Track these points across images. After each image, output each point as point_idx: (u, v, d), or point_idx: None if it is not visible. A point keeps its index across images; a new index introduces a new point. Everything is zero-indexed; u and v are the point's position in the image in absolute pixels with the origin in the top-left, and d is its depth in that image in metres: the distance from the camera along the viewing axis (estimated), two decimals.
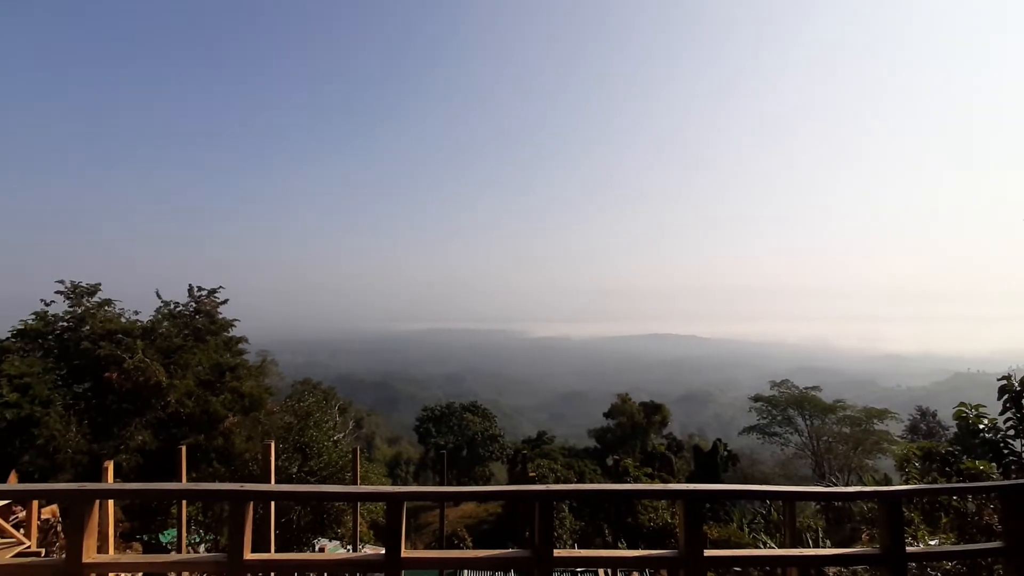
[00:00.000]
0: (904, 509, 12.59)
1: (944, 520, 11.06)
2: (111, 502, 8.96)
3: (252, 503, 3.12)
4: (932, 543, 11.07)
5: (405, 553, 2.94)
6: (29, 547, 9.56)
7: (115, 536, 12.08)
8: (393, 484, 51.40)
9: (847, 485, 33.68)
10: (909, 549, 3.24)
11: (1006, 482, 4.43)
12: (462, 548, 30.72)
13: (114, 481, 14.21)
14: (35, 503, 10.28)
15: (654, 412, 49.91)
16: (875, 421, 40.03)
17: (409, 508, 47.98)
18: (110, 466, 8.52)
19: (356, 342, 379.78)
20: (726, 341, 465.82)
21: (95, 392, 17.56)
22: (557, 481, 34.44)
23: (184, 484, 3.32)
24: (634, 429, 48.92)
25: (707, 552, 3.06)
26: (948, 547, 4.00)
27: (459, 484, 53.38)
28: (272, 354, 49.30)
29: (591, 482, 37.16)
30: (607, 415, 51.61)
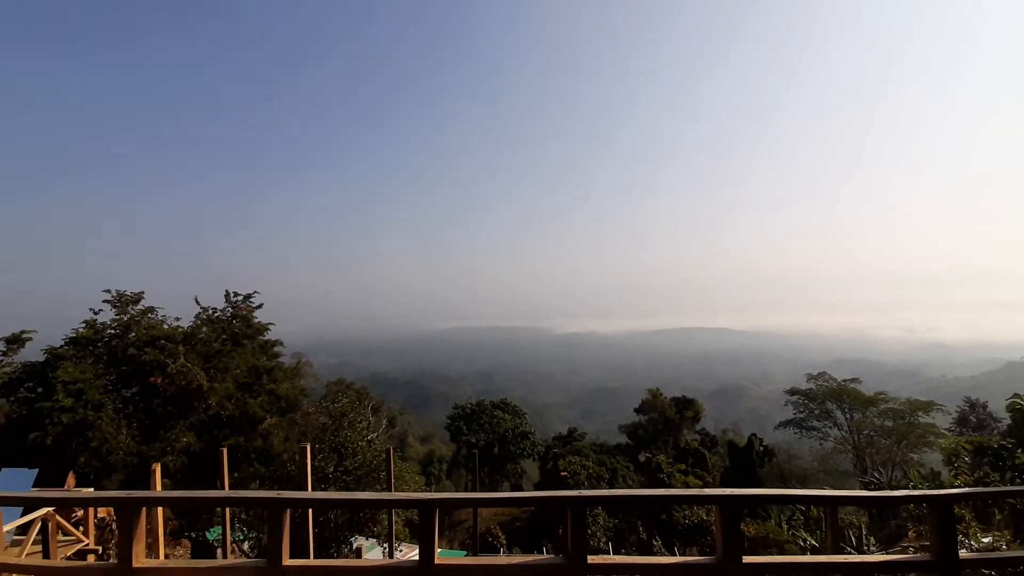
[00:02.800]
0: (955, 506, 11.94)
1: (998, 517, 10.49)
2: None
3: (289, 510, 3.22)
4: (985, 541, 10.54)
5: (439, 560, 2.98)
6: (87, 544, 10.13)
7: (164, 535, 12.66)
8: (426, 482, 52.02)
9: (890, 480, 32.52)
10: (963, 555, 3.06)
11: None
12: (495, 544, 30.95)
13: (162, 481, 14.87)
14: None
15: (686, 407, 49.19)
16: (920, 414, 38.48)
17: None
18: (158, 468, 8.94)
19: (387, 342, 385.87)
20: (758, 333, 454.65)
21: (142, 396, 18.35)
22: (589, 478, 34.27)
23: (224, 492, 3.44)
24: (666, 425, 48.35)
25: (746, 559, 2.98)
26: (1007, 552, 3.73)
27: (491, 481, 53.69)
28: (306, 356, 50.58)
29: (624, 479, 36.87)
30: (638, 411, 51.14)
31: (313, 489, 15.76)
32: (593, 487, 33.68)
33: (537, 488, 45.51)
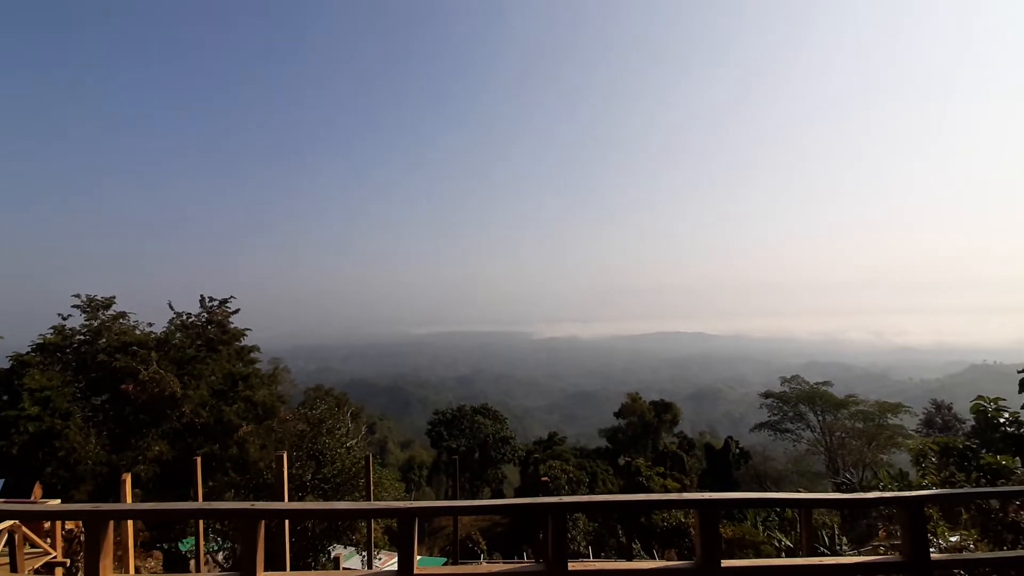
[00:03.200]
0: (924, 507, 12.40)
1: (965, 516, 10.87)
2: None
3: (264, 521, 3.14)
4: (953, 540, 10.97)
5: (418, 569, 2.97)
6: (55, 557, 9.79)
7: (135, 547, 12.27)
8: (406, 488, 51.54)
9: (861, 480, 33.39)
10: (934, 556, 3.14)
11: None
12: (476, 551, 30.80)
13: (133, 492, 14.44)
14: None
15: (664, 411, 49.78)
16: (888, 415, 39.60)
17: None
18: (127, 479, 8.57)
19: (368, 347, 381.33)
20: (733, 337, 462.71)
21: (112, 404, 17.82)
22: (569, 482, 34.40)
23: (197, 504, 3.35)
24: (645, 428, 48.82)
25: (725, 563, 3.04)
26: (976, 554, 3.86)
27: (472, 487, 53.45)
28: (284, 361, 49.80)
29: (604, 483, 37.10)
30: (617, 415, 51.50)
31: (290, 498, 15.50)
32: (573, 491, 33.84)
33: (518, 493, 45.47)
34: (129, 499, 7.03)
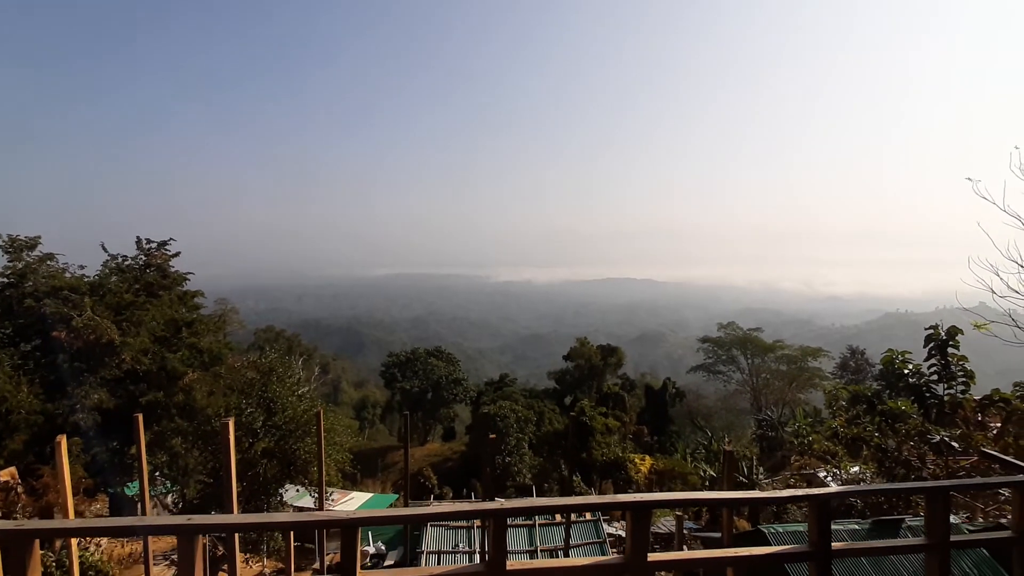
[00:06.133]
0: (829, 443, 14.09)
1: (865, 452, 12.58)
2: (67, 473, 7.76)
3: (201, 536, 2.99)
4: (854, 471, 12.70)
5: (360, 574, 3.04)
6: None
7: (79, 494, 12.10)
8: (360, 427, 52.33)
9: (780, 417, 36.86)
10: (835, 546, 3.66)
11: (931, 484, 4.79)
12: (427, 486, 32.30)
13: (71, 441, 14.06)
14: None
15: (610, 354, 52.12)
16: (809, 359, 43.36)
17: (375, 448, 49.34)
18: (63, 442, 7.54)
19: (322, 287, 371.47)
20: (679, 284, 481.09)
21: (44, 351, 16.97)
22: (518, 421, 36.04)
23: (132, 520, 3.28)
24: (591, 370, 51.14)
25: (650, 557, 3.36)
26: (873, 543, 4.50)
27: (424, 426, 55.03)
28: (231, 302, 48.02)
29: (550, 422, 39.11)
30: (566, 357, 53.52)
31: (240, 444, 15.53)
32: (521, 429, 35.62)
33: (468, 431, 47.36)
34: (66, 462, 6.80)
